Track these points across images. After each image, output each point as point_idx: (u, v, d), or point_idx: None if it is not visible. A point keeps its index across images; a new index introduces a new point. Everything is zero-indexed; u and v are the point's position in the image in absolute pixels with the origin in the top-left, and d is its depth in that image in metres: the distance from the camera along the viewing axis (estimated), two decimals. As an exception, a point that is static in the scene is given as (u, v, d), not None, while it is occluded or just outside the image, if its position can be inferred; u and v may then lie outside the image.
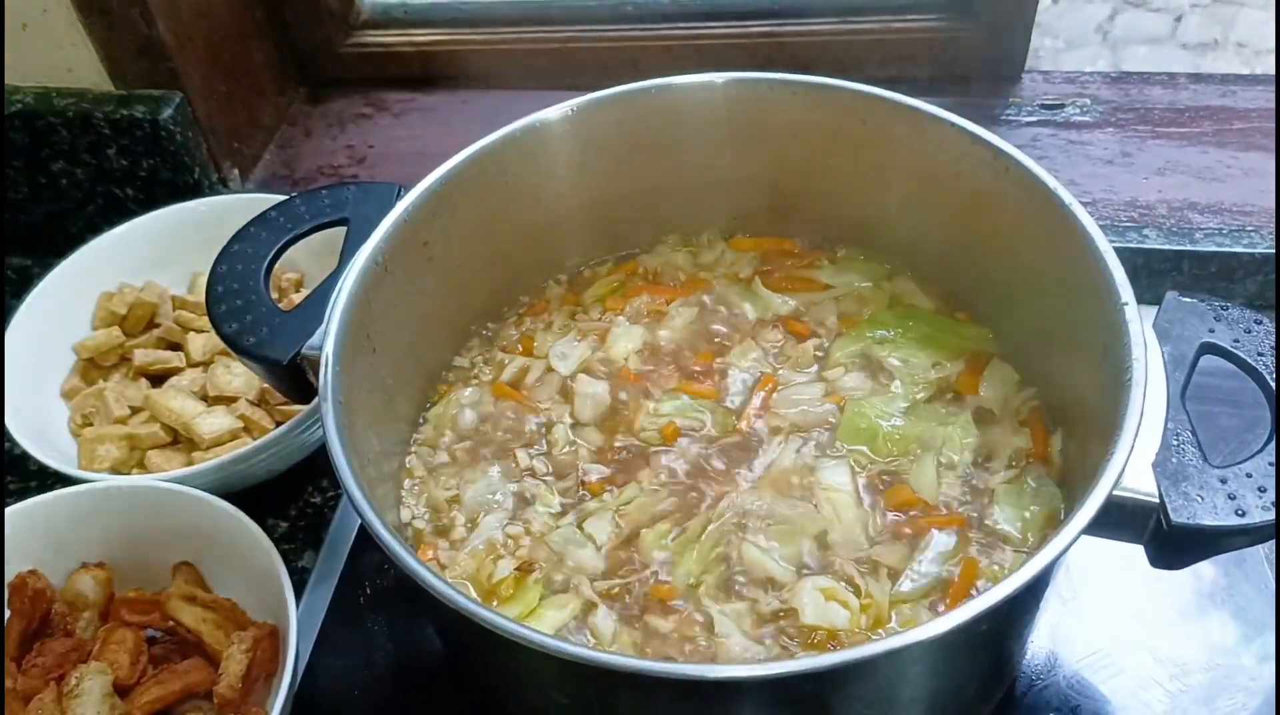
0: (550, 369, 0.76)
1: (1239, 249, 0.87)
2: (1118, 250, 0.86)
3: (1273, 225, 0.89)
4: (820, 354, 0.74)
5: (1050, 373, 0.70)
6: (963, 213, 0.71)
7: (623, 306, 0.79)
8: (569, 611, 0.62)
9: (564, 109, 0.71)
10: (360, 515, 0.54)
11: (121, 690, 0.67)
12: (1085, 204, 0.92)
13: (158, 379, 0.85)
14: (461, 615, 0.50)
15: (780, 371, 0.74)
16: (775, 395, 0.72)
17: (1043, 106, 1.01)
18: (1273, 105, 0.99)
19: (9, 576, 0.72)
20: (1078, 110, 1.00)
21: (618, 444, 0.71)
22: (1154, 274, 0.89)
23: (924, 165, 0.71)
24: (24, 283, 1.02)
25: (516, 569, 0.65)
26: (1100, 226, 0.89)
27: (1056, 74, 1.05)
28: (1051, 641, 0.71)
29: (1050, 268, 0.66)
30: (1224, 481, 0.53)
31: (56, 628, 0.72)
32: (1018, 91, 1.04)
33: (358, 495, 0.54)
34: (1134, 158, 0.95)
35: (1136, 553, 0.75)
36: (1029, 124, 1.00)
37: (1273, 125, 0.97)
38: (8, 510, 0.73)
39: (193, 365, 0.85)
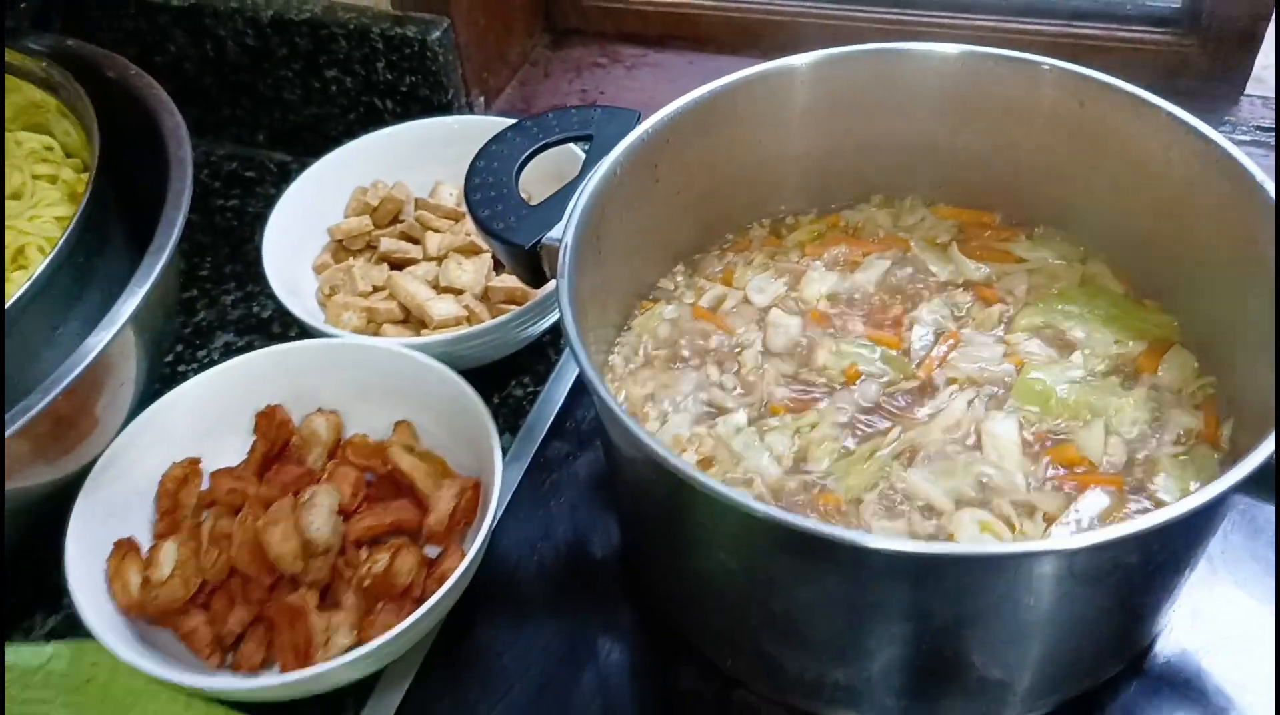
0: (747, 300, 0.83)
1: None
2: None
3: None
4: (1006, 320, 0.79)
5: (1231, 365, 0.72)
6: (1167, 202, 0.74)
7: (820, 253, 0.85)
8: (746, 500, 0.69)
9: (804, 59, 0.78)
10: (581, 370, 0.61)
11: (342, 515, 0.77)
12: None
13: (397, 266, 0.96)
14: (666, 470, 0.57)
15: (964, 331, 0.79)
16: (956, 351, 0.77)
17: (1258, 128, 1.02)
18: None
19: (259, 406, 0.83)
20: (1295, 136, 1.01)
21: (802, 375, 0.78)
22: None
23: (1136, 152, 0.74)
24: (283, 175, 1.15)
25: (699, 461, 0.72)
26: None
27: (1272, 100, 1.05)
28: (1192, 621, 0.74)
29: (1246, 263, 0.69)
30: (1388, 463, 0.56)
31: (291, 457, 0.83)
32: (1234, 112, 1.05)
33: (581, 352, 0.61)
34: (1347, 187, 0.95)
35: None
36: (1242, 143, 1.00)
37: None
38: (265, 350, 0.85)
39: (428, 259, 0.96)
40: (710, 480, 0.56)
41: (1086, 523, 0.67)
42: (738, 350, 0.79)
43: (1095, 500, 0.67)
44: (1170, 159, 0.73)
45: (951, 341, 0.77)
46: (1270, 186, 0.67)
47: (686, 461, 0.71)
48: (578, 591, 0.80)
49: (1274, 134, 1.01)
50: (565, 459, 0.88)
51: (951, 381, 0.75)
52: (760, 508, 0.55)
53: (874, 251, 0.84)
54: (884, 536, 0.64)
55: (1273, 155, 0.99)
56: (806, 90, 0.79)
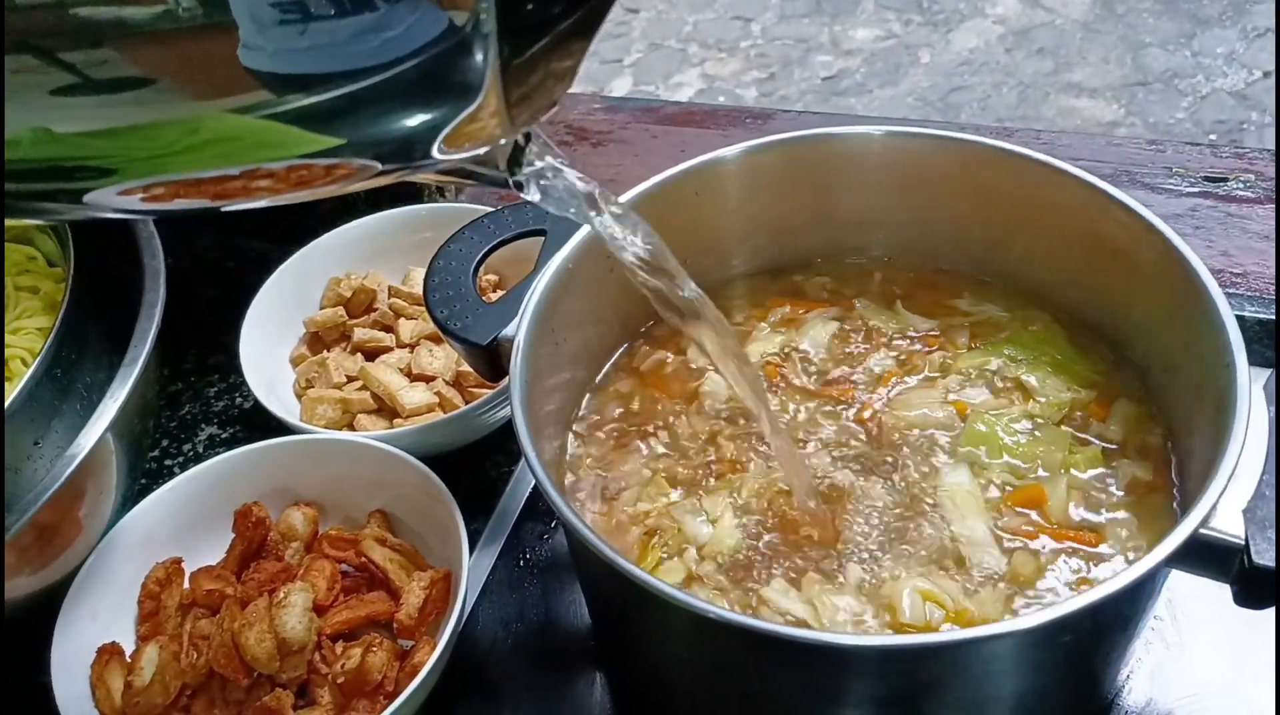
0: (689, 366, 0.85)
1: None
2: (1261, 321, 0.90)
3: None
4: (948, 364, 0.81)
5: (1173, 419, 0.75)
6: (1100, 266, 0.77)
7: (765, 315, 0.88)
8: (678, 577, 0.71)
9: (737, 149, 0.81)
10: (534, 475, 0.64)
11: (318, 610, 0.79)
12: (1236, 275, 0.96)
13: (371, 354, 0.99)
14: (609, 568, 0.59)
15: (906, 377, 0.81)
16: (897, 396, 0.79)
17: (1206, 179, 1.04)
18: None
19: (238, 503, 0.86)
20: (1240, 185, 1.03)
21: (746, 434, 0.80)
22: (1297, 347, 0.91)
23: (1066, 221, 0.77)
24: (263, 264, 1.18)
25: (644, 534, 0.74)
26: (1248, 297, 0.93)
27: (1225, 149, 1.08)
28: (1150, 682, 0.75)
29: (1177, 325, 0.71)
30: (1309, 533, 0.57)
31: (270, 553, 0.85)
32: (1183, 162, 1.07)
33: (534, 458, 0.64)
34: (1292, 234, 0.97)
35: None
36: (1189, 194, 1.03)
37: None
38: (242, 449, 0.87)
39: (401, 346, 0.98)
40: (642, 573, 0.57)
41: (1061, 591, 0.68)
42: (681, 417, 0.82)
43: (1049, 561, 0.69)
44: (1099, 229, 0.75)
45: (891, 384, 0.80)
46: (1192, 255, 0.69)
47: (633, 536, 0.75)
48: (552, 671, 0.82)
49: (1221, 184, 1.03)
50: (539, 540, 0.90)
51: (897, 430, 0.77)
52: (678, 596, 0.57)
53: (816, 309, 0.87)
54: (814, 631, 0.65)
55: (1221, 207, 1.01)
56: (739, 176, 0.82)
